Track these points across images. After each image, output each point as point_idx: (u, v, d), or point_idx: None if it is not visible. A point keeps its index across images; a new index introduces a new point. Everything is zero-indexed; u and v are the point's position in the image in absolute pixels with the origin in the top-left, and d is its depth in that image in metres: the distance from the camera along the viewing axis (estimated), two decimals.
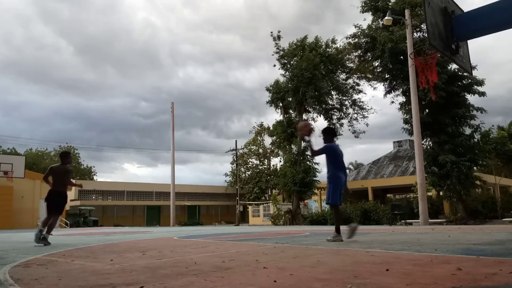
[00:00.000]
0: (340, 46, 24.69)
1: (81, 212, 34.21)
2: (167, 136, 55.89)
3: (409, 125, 18.46)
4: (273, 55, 26.60)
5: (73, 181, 7.24)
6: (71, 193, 36.07)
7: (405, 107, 19.30)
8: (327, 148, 5.93)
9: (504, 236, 6.09)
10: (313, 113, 27.07)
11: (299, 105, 25.92)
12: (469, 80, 18.20)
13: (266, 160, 47.28)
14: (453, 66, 17.80)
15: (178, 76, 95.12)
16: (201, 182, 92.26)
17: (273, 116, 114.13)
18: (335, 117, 26.84)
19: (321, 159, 20.94)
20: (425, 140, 19.03)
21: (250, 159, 47.54)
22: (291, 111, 27.04)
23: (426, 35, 14.89)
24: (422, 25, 18.13)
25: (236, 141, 43.57)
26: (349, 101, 26.71)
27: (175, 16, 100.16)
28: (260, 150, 47.29)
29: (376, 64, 21.38)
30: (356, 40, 21.77)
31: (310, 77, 24.06)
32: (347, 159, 66.66)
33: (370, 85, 24.62)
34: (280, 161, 34.33)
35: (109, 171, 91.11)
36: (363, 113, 26.56)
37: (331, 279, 2.42)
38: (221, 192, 47.46)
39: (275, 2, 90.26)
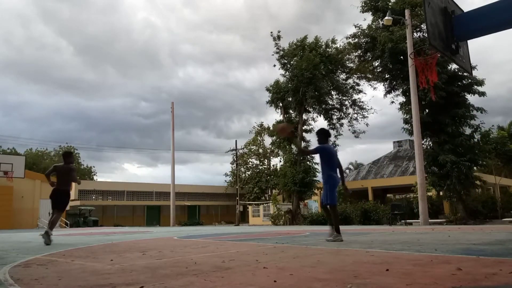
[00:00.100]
0: (340, 46, 24.75)
1: (81, 212, 34.18)
2: (167, 136, 55.88)
3: (409, 125, 18.47)
4: (273, 55, 26.70)
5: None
6: (71, 193, 36.01)
7: (405, 107, 19.30)
8: (319, 149, 5.93)
9: (504, 236, 6.09)
10: (313, 113, 27.18)
11: (299, 105, 25.94)
12: (469, 80, 18.21)
13: (266, 160, 47.27)
14: (453, 66, 17.80)
15: (178, 76, 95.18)
16: (201, 182, 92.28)
17: (273, 116, 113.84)
18: (335, 117, 26.91)
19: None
20: (425, 140, 19.04)
21: (250, 159, 47.52)
22: (291, 111, 27.06)
23: (426, 35, 14.88)
24: (422, 25, 18.13)
25: (236, 141, 43.63)
26: (349, 101, 26.76)
27: (175, 16, 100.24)
28: (260, 150, 47.26)
29: (376, 64, 21.40)
30: (356, 40, 21.79)
31: (310, 77, 24.08)
32: (347, 159, 66.92)
33: (370, 85, 24.68)
34: (280, 161, 34.44)
35: (109, 171, 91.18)
36: (363, 113, 26.66)
37: (331, 279, 2.42)
38: (221, 192, 47.44)
39: (275, 2, 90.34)
